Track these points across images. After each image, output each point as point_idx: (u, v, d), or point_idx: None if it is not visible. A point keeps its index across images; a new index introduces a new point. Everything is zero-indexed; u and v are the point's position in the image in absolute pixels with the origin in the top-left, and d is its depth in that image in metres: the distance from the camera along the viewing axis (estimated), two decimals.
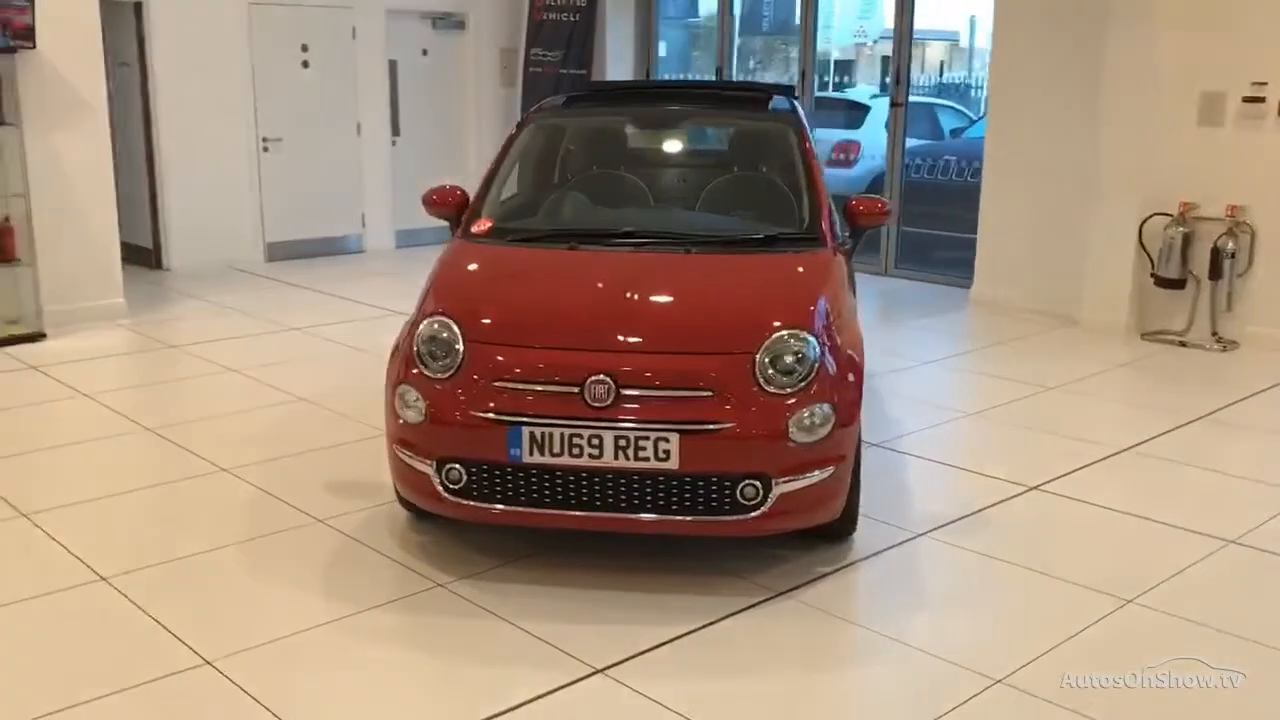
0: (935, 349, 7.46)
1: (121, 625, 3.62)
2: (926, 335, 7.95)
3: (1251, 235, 7.27)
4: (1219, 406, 6.08)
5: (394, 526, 4.35)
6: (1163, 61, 7.40)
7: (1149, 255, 7.60)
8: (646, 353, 3.82)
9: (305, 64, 10.23)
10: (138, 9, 9.32)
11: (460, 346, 3.88)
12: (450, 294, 4.18)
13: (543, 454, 3.71)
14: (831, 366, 3.91)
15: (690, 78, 12.41)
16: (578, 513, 3.79)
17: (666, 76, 12.04)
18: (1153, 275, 7.60)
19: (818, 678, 3.38)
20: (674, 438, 3.66)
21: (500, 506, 3.82)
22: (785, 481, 3.74)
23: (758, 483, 3.72)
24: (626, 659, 3.42)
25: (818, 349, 3.85)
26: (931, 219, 10.61)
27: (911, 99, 13.99)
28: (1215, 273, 7.39)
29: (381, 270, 10.05)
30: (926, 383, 6.65)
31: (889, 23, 18.98)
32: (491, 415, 3.75)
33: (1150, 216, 7.55)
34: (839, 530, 4.16)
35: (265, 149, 10.09)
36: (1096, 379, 6.69)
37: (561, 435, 3.69)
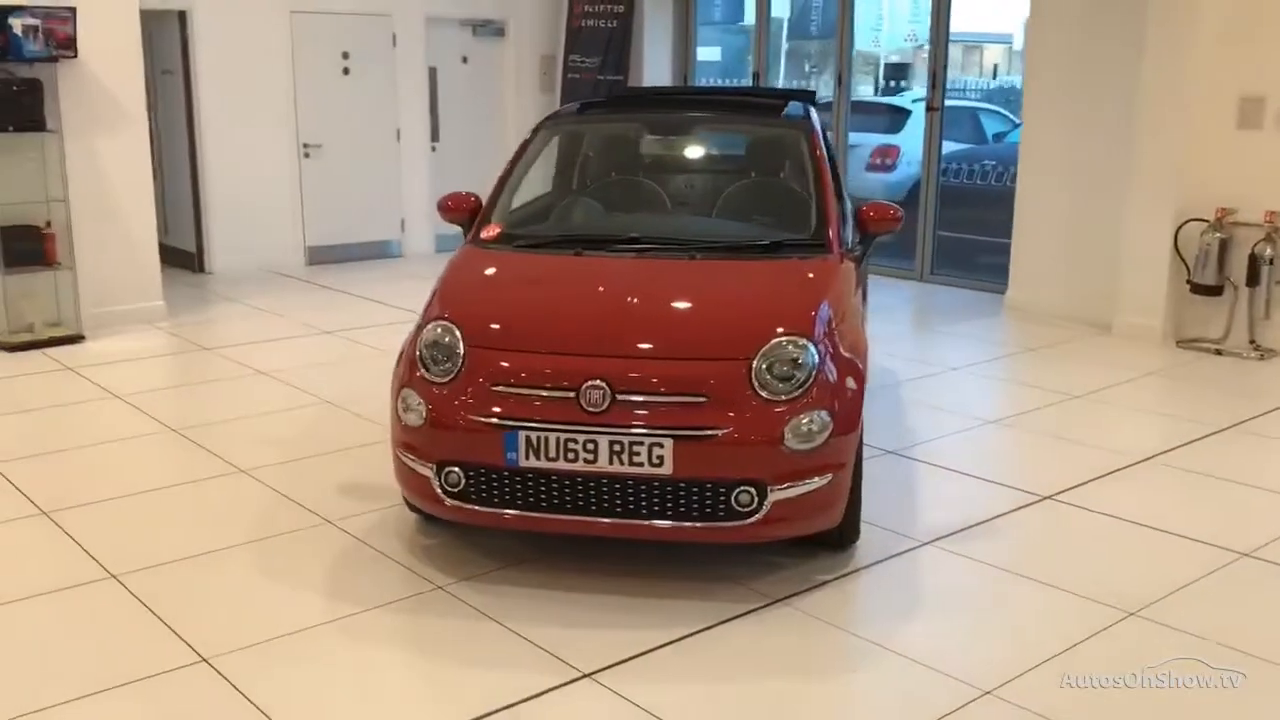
0: (963, 355, 7.39)
1: (125, 622, 3.70)
2: (957, 341, 7.87)
3: None
4: (1249, 416, 5.96)
5: (402, 529, 4.40)
6: (1201, 65, 7.27)
7: (1185, 262, 7.47)
8: (643, 358, 3.84)
9: (346, 71, 10.38)
10: (182, 17, 9.52)
11: (461, 351, 3.92)
12: (454, 299, 4.23)
13: (538, 458, 3.74)
14: (832, 373, 3.90)
15: (737, 83, 12.37)
16: (573, 517, 3.81)
17: (709, 81, 12.03)
18: (1189, 282, 7.47)
19: (803, 685, 3.37)
20: (668, 443, 3.67)
21: (497, 510, 3.86)
22: (781, 488, 3.73)
23: (753, 489, 3.71)
24: (615, 664, 3.44)
25: (816, 356, 3.84)
26: (971, 224, 10.52)
27: (955, 103, 13.90)
28: (1253, 279, 7.25)
29: (418, 274, 10.09)
30: (950, 389, 6.58)
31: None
32: (489, 419, 3.79)
33: (1186, 222, 7.42)
34: (840, 538, 4.15)
35: (306, 155, 10.24)
36: (1125, 387, 6.59)
37: (557, 440, 3.72)
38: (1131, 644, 3.58)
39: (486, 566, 4.08)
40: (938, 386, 6.65)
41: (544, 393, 3.78)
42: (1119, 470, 5.15)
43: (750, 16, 15.81)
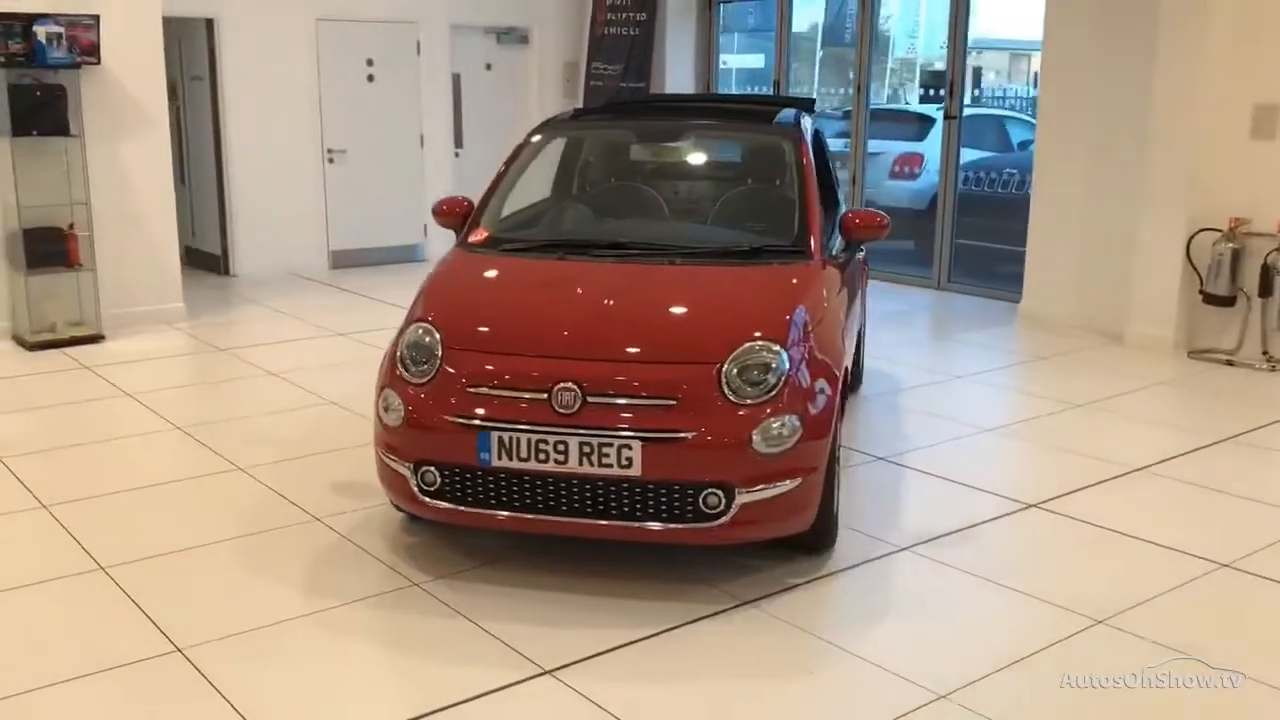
0: (970, 364, 7.37)
1: (107, 612, 3.81)
2: (967, 350, 7.86)
3: None
4: (1251, 428, 5.91)
5: (387, 527, 4.48)
6: (1215, 74, 7.22)
7: (1197, 271, 7.41)
8: (615, 361, 3.89)
9: (370, 78, 10.53)
10: (210, 25, 9.71)
11: (439, 352, 4.00)
12: (436, 301, 4.31)
13: (510, 459, 3.80)
14: (804, 379, 3.94)
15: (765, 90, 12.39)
16: (545, 517, 3.87)
17: (750, 89, 12.06)
18: (1201, 292, 7.40)
19: (757, 686, 3.40)
20: (636, 445, 3.72)
21: (471, 509, 3.93)
22: (749, 491, 3.77)
23: (721, 492, 3.75)
24: (577, 661, 3.49)
25: (787, 361, 3.88)
26: (992, 232, 10.47)
27: (982, 111, 13.80)
28: (1265, 290, 7.18)
29: None
30: (951, 397, 6.58)
31: (974, 33, 18.67)
32: (463, 420, 3.86)
33: (1199, 232, 7.36)
34: (815, 542, 4.17)
35: (330, 160, 10.41)
36: (1130, 397, 6.55)
37: (528, 440, 3.78)
38: (1093, 651, 3.58)
39: (464, 565, 4.15)
40: (940, 394, 6.64)
41: (517, 394, 3.84)
42: (1109, 480, 5.13)
43: (791, 24, 15.86)
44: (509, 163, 5.15)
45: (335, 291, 9.57)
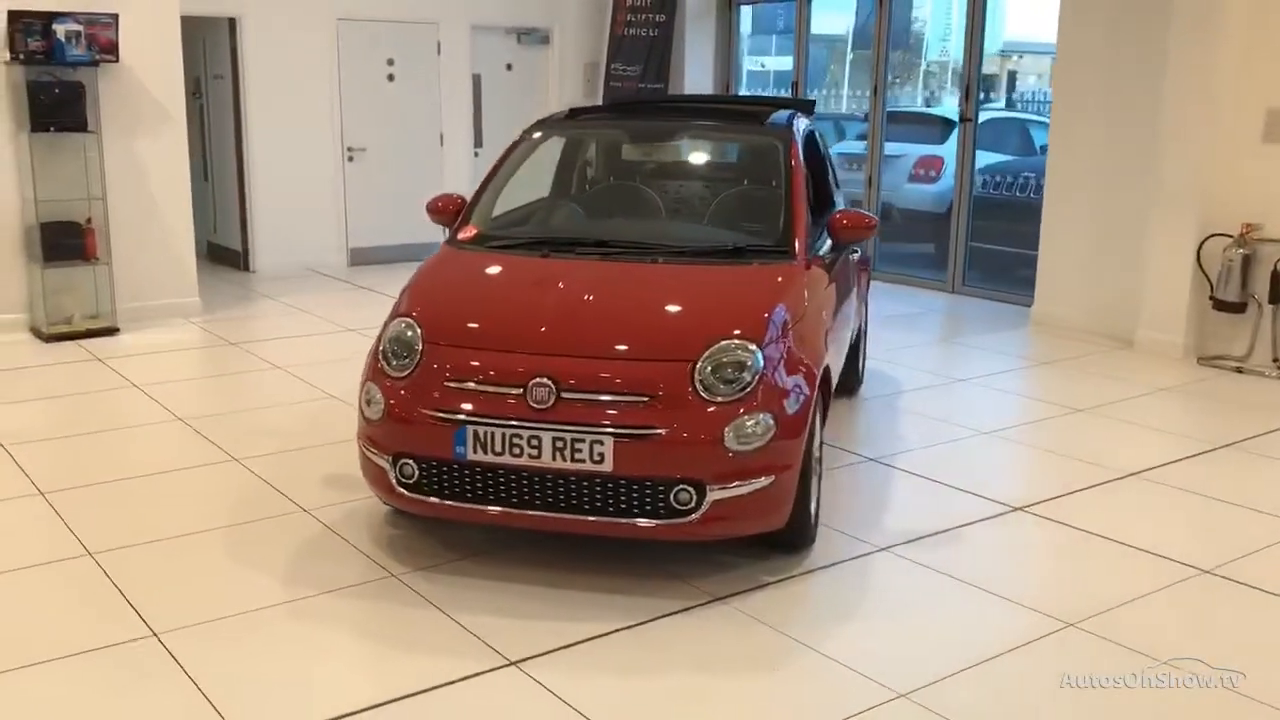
0: (975, 367, 7.34)
1: (89, 597, 3.89)
2: (973, 353, 7.82)
3: None
4: (1251, 435, 5.85)
5: (372, 520, 4.54)
6: (1227, 78, 7.15)
7: (1208, 277, 7.34)
8: (589, 357, 3.92)
9: (391, 77, 10.64)
10: (232, 24, 9.84)
11: (420, 347, 4.05)
12: (419, 297, 4.37)
13: (485, 453, 3.85)
14: (781, 378, 3.96)
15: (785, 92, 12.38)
16: (519, 511, 3.91)
17: (774, 91, 12.07)
18: (1211, 298, 7.34)
19: (717, 681, 3.42)
20: (608, 441, 3.75)
21: (447, 502, 3.98)
22: (720, 488, 3.79)
23: (691, 488, 3.78)
24: (542, 653, 3.53)
25: (763, 360, 3.90)
26: (1009, 236, 10.41)
27: (1003, 114, 13.70)
28: (1276, 297, 7.11)
29: None
30: (950, 400, 6.56)
31: (1008, 34, 18.52)
32: (440, 414, 3.91)
33: (1210, 237, 7.29)
34: (791, 540, 4.19)
35: (350, 158, 10.52)
36: (1133, 402, 6.51)
37: (502, 435, 3.82)
38: (1058, 655, 3.58)
39: (444, 557, 4.20)
40: (941, 397, 6.62)
41: (493, 389, 3.89)
42: (1100, 484, 5.11)
43: (821, 27, 15.82)
44: (500, 161, 5.20)
45: (351, 288, 9.67)
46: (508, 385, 3.87)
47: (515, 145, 5.28)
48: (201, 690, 3.29)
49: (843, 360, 5.38)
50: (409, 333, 4.12)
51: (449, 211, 5.04)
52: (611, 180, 5.31)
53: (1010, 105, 16.03)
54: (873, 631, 3.76)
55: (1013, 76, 18.70)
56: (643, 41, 11.07)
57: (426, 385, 3.98)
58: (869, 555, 4.30)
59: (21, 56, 7.23)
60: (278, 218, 10.21)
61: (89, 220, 7.65)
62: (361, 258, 10.67)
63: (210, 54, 10.24)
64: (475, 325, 4.15)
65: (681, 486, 3.78)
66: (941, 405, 6.43)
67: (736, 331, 3.95)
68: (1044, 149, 12.44)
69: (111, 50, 7.53)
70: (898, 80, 16.76)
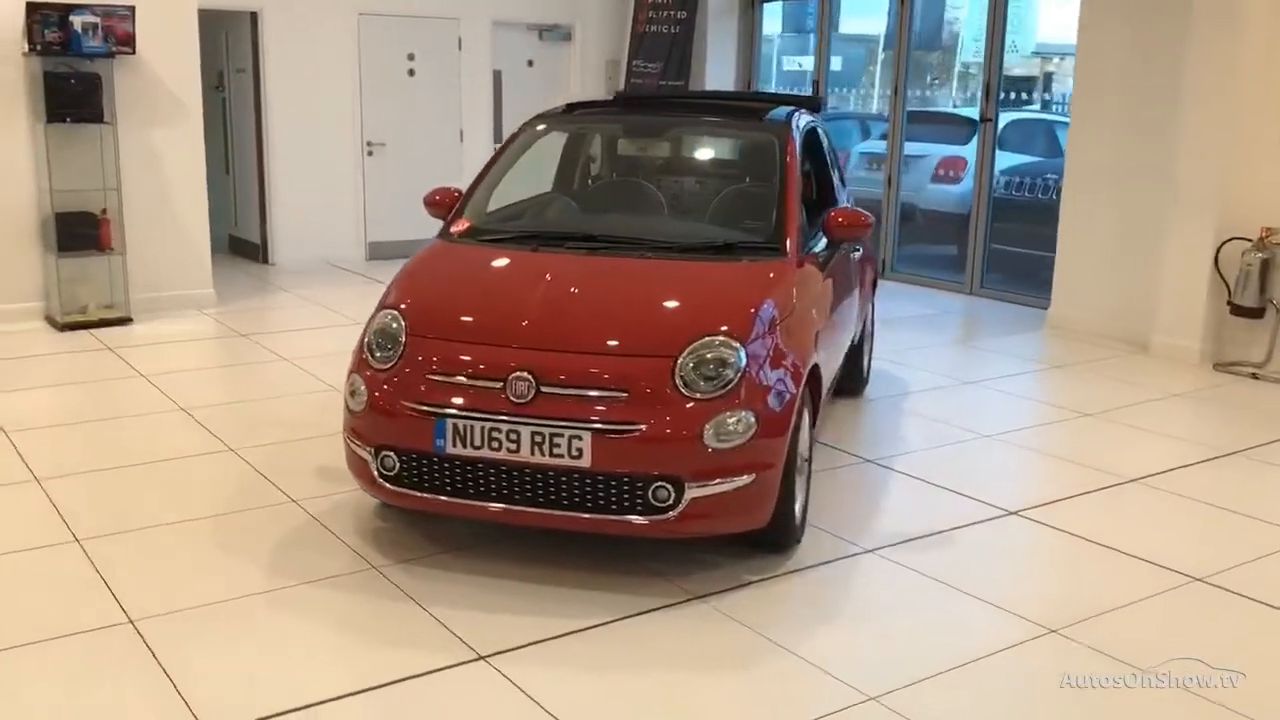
0: (986, 369, 7.26)
1: (72, 583, 3.91)
2: (986, 356, 7.74)
3: None
4: (1260, 443, 5.74)
5: (359, 512, 4.54)
6: (1246, 79, 7.03)
7: (1225, 282, 7.21)
8: (570, 352, 3.90)
9: (411, 72, 10.67)
10: (254, 18, 9.91)
11: (404, 339, 4.05)
12: (406, 289, 4.37)
13: (464, 446, 3.84)
14: (765, 375, 3.92)
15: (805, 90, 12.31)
16: (496, 505, 3.90)
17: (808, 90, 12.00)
18: (1229, 303, 7.21)
19: (687, 680, 3.39)
20: (586, 436, 3.73)
21: (427, 495, 3.97)
22: (699, 486, 3.76)
23: (669, 485, 3.75)
24: (514, 648, 3.51)
25: (746, 357, 3.86)
26: (1030, 238, 10.30)
27: (1030, 115, 13.54)
28: None
29: None
30: (955, 403, 6.48)
31: (1041, 36, 18.29)
32: (420, 406, 3.90)
33: (1228, 241, 7.17)
34: (774, 540, 4.15)
35: (369, 153, 10.56)
36: (1143, 408, 6.41)
37: (482, 429, 3.81)
38: (1037, 661, 3.52)
39: (426, 551, 4.19)
40: (948, 399, 6.55)
41: (474, 383, 3.88)
42: (1099, 490, 5.03)
43: (857, 27, 15.73)
44: (496, 155, 5.19)
45: (367, 282, 9.69)
46: (488, 379, 3.86)
47: (511, 139, 5.26)
48: (169, 676, 3.30)
49: (840, 360, 5.33)
50: (393, 325, 4.12)
51: (446, 205, 5.04)
52: (607, 176, 5.28)
53: (1046, 107, 15.85)
54: (850, 633, 3.71)
55: (1049, 78, 18.49)
56: (664, 38, 11.04)
57: (409, 377, 3.98)
58: (855, 557, 4.26)
59: (39, 48, 7.30)
60: (297, 211, 10.27)
61: (104, 211, 7.72)
62: (380, 252, 10.70)
63: (232, 47, 10.31)
64: (459, 319, 4.13)
65: (660, 483, 3.75)
66: (947, 408, 6.35)
67: (722, 328, 3.91)
68: None
69: (128, 42, 7.60)
70: (936, 81, 16.64)
